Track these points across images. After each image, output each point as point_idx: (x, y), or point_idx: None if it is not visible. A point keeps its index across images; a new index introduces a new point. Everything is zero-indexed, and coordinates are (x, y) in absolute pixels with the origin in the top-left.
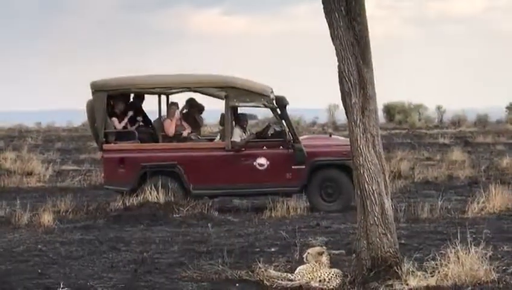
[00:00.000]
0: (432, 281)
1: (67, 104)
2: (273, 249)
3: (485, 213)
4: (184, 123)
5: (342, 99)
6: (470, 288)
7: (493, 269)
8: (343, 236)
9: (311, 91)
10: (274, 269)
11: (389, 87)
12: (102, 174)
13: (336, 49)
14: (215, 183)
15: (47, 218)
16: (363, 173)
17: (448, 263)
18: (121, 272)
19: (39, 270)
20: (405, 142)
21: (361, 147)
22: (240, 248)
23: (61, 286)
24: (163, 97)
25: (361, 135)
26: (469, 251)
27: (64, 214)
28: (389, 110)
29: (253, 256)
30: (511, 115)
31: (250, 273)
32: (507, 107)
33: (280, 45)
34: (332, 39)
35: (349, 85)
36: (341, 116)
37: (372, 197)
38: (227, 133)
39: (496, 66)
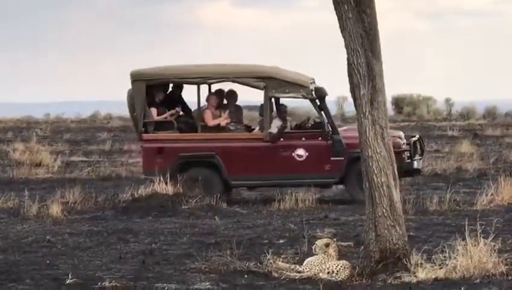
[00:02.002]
0: (441, 274)
1: (75, 96)
2: (281, 241)
3: (494, 206)
4: (223, 113)
5: (350, 91)
6: (478, 280)
7: (502, 261)
8: (352, 228)
9: (319, 83)
10: (282, 261)
11: (398, 80)
12: (141, 163)
13: (345, 41)
14: (254, 174)
15: (55, 209)
16: (372, 165)
17: (457, 255)
18: (129, 263)
19: (48, 261)
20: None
21: (370, 139)
22: (248, 239)
23: (70, 277)
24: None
25: (370, 127)
26: (478, 244)
27: (72, 205)
28: (398, 102)
29: (262, 248)
30: None
31: (258, 265)
32: None
33: (289, 36)
34: (342, 31)
35: (358, 77)
36: (350, 108)
37: (381, 189)
38: (266, 124)
39: (505, 59)
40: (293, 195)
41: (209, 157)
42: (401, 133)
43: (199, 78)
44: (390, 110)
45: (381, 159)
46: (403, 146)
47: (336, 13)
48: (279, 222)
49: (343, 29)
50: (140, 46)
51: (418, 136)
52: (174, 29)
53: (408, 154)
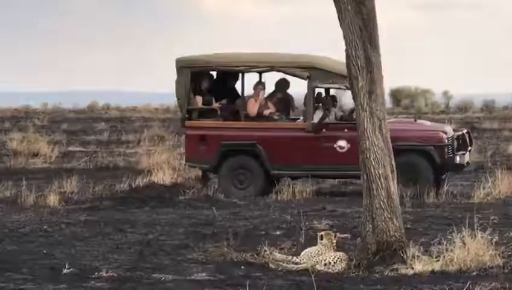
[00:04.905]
0: (437, 266)
1: (73, 85)
2: (278, 233)
3: (491, 199)
4: (269, 103)
5: (349, 83)
6: (475, 273)
7: (499, 254)
8: (349, 220)
9: None
10: (279, 252)
11: (396, 72)
12: (184, 150)
13: (343, 33)
14: (295, 164)
15: (53, 199)
16: (370, 156)
17: (454, 248)
18: (126, 254)
19: (44, 251)
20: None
21: (367, 130)
22: (245, 230)
23: (67, 266)
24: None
25: (368, 118)
26: (475, 236)
27: (70, 195)
28: (396, 94)
29: (259, 239)
30: None
31: (255, 256)
32: None
33: (287, 27)
34: (340, 23)
35: (357, 69)
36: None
37: (378, 181)
38: (309, 114)
39: (503, 52)
40: (291, 187)
41: (251, 146)
42: (447, 128)
43: (244, 66)
44: (388, 102)
45: (379, 150)
46: (445, 141)
47: (335, 5)
48: (276, 213)
49: (341, 21)
50: (139, 35)
51: (464, 130)
52: (174, 17)
53: (450, 149)
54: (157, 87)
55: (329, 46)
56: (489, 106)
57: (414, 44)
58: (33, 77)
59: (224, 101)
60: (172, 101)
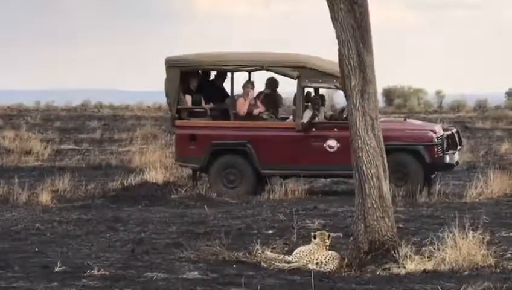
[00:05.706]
0: (429, 266)
1: (66, 84)
2: (270, 231)
3: (483, 198)
4: (258, 102)
5: (341, 82)
6: (467, 273)
7: (490, 254)
8: (341, 219)
9: None
10: (271, 251)
11: (389, 71)
12: (174, 150)
13: (336, 32)
14: (285, 164)
15: (45, 197)
16: (362, 156)
17: (446, 247)
18: (118, 252)
19: (37, 249)
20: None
21: (360, 130)
22: (237, 229)
23: (59, 265)
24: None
25: (361, 118)
26: (466, 236)
27: (62, 193)
28: (389, 94)
29: (251, 238)
30: (510, 100)
31: (247, 255)
32: (506, 93)
33: (281, 26)
34: (333, 22)
35: (349, 68)
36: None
37: (371, 181)
38: (298, 114)
39: (496, 52)
40: (283, 186)
41: (241, 145)
42: (437, 127)
43: (233, 65)
44: (381, 101)
45: (371, 150)
46: (435, 140)
47: (328, 4)
48: (268, 212)
49: (334, 20)
50: (134, 34)
51: (454, 130)
52: (168, 16)
53: (440, 149)
54: (150, 85)
55: (327, 45)
56: (482, 106)
57: (407, 43)
58: (26, 75)
59: (210, 104)
60: (164, 99)
